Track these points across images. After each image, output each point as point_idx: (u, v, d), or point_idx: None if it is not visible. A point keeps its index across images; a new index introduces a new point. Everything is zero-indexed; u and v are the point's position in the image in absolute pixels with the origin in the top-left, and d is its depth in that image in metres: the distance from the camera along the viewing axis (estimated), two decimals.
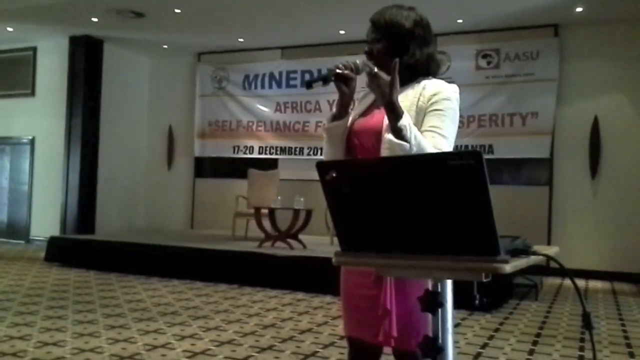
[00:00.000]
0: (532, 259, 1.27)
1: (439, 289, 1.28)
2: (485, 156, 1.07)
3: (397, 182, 1.19)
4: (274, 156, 9.98)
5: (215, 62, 10.52)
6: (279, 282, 6.44)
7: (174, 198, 10.84)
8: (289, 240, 7.21)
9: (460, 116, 1.80)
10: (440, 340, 1.27)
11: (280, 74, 10.01)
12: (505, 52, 8.47)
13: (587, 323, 1.25)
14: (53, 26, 9.38)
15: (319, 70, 9.41)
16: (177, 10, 8.28)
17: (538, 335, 4.57)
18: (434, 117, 1.70)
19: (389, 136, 1.61)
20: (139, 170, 10.99)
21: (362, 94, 1.92)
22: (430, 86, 1.75)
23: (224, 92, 10.46)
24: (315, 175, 1.29)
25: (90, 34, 9.73)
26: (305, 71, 9.75)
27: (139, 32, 9.42)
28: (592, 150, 8.02)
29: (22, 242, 10.42)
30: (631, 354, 4.07)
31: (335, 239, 1.36)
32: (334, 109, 1.86)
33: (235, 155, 10.30)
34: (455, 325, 1.30)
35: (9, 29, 9.60)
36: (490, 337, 4.45)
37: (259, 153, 10.11)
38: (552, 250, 1.38)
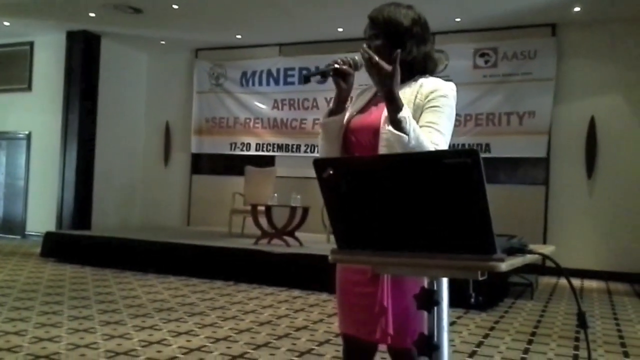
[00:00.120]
0: (528, 258, 1.28)
1: (435, 287, 1.28)
2: (482, 155, 1.07)
3: (394, 180, 1.19)
4: (271, 153, 9.98)
5: (213, 59, 10.51)
6: (275, 280, 6.44)
7: (170, 194, 10.83)
8: (286, 237, 7.21)
9: (457, 115, 1.80)
10: (435, 338, 1.27)
11: (278, 71, 10.00)
12: (503, 51, 8.48)
13: (582, 322, 1.25)
14: (50, 21, 9.35)
15: (317, 68, 9.26)
16: (174, 6, 8.27)
17: (533, 334, 4.59)
18: (430, 113, 1.71)
19: (388, 127, 1.62)
20: (135, 166, 10.97)
21: (360, 91, 1.92)
22: (427, 84, 1.76)
23: (221, 89, 10.45)
24: (312, 172, 1.29)
25: (88, 29, 9.70)
26: (303, 68, 9.74)
27: (137, 27, 9.40)
28: (589, 150, 8.04)
29: (18, 237, 10.39)
30: (625, 354, 4.09)
31: (332, 237, 1.36)
32: (331, 105, 1.86)
33: (232, 152, 10.29)
34: (451, 324, 1.31)
35: (6, 23, 9.56)
36: (486, 336, 4.46)
37: (256, 150, 10.10)
38: (548, 250, 1.38)
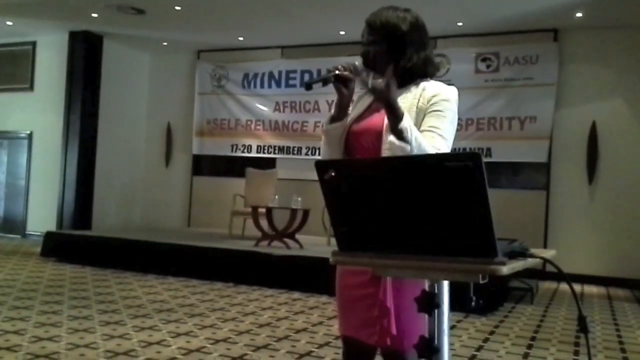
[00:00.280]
0: (529, 262, 1.28)
1: (436, 290, 1.28)
2: (483, 159, 1.07)
3: (396, 182, 1.19)
4: (272, 155, 9.98)
5: (215, 60, 10.52)
6: (275, 282, 6.44)
7: (171, 195, 10.84)
8: (286, 239, 7.21)
9: (459, 119, 1.81)
10: (436, 341, 1.27)
11: (280, 73, 10.01)
12: (505, 56, 8.49)
13: (582, 326, 1.25)
14: (53, 21, 9.37)
15: (319, 71, 9.42)
16: (177, 8, 8.28)
17: (533, 338, 4.58)
18: (433, 117, 1.71)
19: (390, 138, 1.62)
20: (136, 166, 10.98)
21: (360, 94, 1.92)
22: (429, 88, 1.76)
23: (223, 91, 10.46)
24: (313, 175, 1.30)
25: (90, 29, 9.72)
26: (304, 71, 9.75)
27: (139, 28, 9.41)
28: (590, 155, 8.04)
29: (18, 236, 10.40)
30: (625, 359, 4.08)
31: (332, 239, 1.36)
32: (333, 111, 1.86)
33: (234, 154, 10.30)
34: (451, 328, 1.31)
35: (9, 23, 9.58)
36: (485, 340, 4.46)
37: (257, 152, 10.10)
38: (549, 254, 1.38)
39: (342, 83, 1.78)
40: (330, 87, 1.80)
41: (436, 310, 1.28)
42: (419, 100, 1.74)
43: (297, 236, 7.36)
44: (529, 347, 4.30)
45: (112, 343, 3.82)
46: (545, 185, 8.27)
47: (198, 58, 10.70)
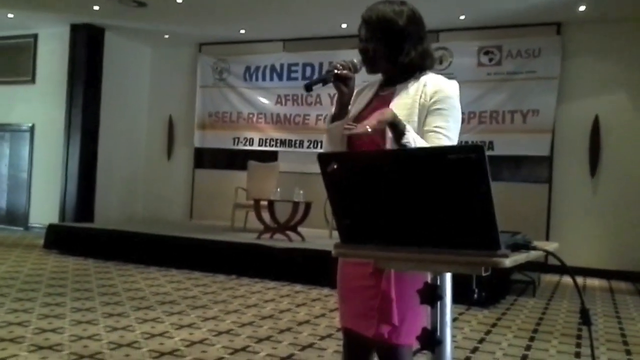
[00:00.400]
0: (532, 254, 1.28)
1: (438, 282, 1.29)
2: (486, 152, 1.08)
3: (399, 175, 1.19)
4: (274, 148, 9.98)
5: (217, 53, 10.50)
6: (277, 274, 6.46)
7: (173, 188, 10.84)
8: (288, 232, 7.22)
9: (461, 113, 1.80)
10: (438, 333, 1.27)
11: (282, 66, 9.99)
12: (507, 49, 8.46)
13: (585, 319, 1.25)
14: (54, 13, 9.35)
15: (321, 64, 9.41)
16: (178, 1, 8.25)
17: (535, 331, 4.59)
18: (437, 116, 1.70)
19: None
20: (138, 159, 10.99)
21: (359, 88, 1.91)
22: (430, 83, 1.75)
23: (224, 84, 10.44)
24: (315, 168, 1.30)
25: (92, 22, 9.70)
26: (306, 64, 9.73)
27: (141, 21, 9.39)
28: (592, 149, 8.02)
29: (21, 229, 10.42)
30: (628, 352, 4.09)
31: (334, 232, 1.37)
32: (334, 109, 1.85)
33: (235, 147, 10.29)
34: (453, 320, 1.31)
35: (10, 16, 9.56)
36: (488, 332, 4.47)
37: (259, 145, 10.10)
38: (552, 246, 1.38)
39: (341, 81, 1.78)
40: None
41: (439, 303, 1.28)
42: (420, 96, 1.73)
43: (299, 229, 7.37)
44: (531, 339, 4.31)
45: (115, 335, 3.84)
46: (547, 178, 8.26)
47: (200, 51, 10.68)
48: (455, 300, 1.34)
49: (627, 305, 5.99)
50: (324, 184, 1.29)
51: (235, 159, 10.14)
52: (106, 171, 10.12)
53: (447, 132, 1.69)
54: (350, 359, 1.89)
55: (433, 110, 1.71)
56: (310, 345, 3.84)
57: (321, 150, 1.75)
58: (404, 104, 1.74)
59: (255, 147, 10.09)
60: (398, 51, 1.76)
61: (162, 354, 3.47)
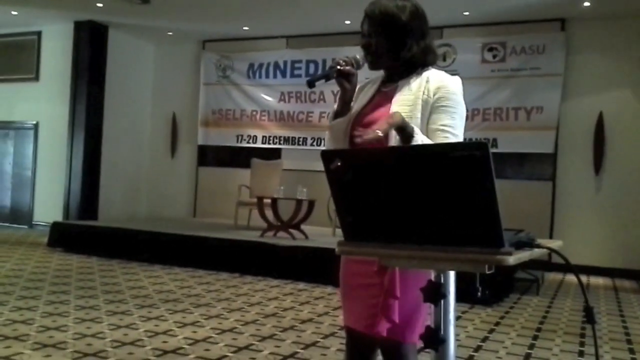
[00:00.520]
0: (536, 252, 1.27)
1: (442, 280, 1.28)
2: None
3: (403, 172, 1.19)
4: (277, 146, 9.97)
5: (220, 50, 10.50)
6: (281, 272, 6.46)
7: (176, 186, 10.85)
8: (291, 230, 7.22)
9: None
10: (442, 332, 1.26)
11: (285, 63, 9.98)
12: (512, 46, 8.43)
13: (589, 317, 1.24)
14: (58, 11, 9.35)
15: (324, 61, 9.39)
16: None
17: (539, 329, 4.58)
18: (444, 114, 1.69)
19: None
20: (142, 157, 11.00)
21: (361, 85, 1.90)
22: (433, 79, 1.74)
23: (228, 81, 10.44)
24: (318, 165, 1.29)
25: (95, 19, 9.71)
26: (310, 61, 9.72)
27: (144, 18, 9.39)
28: (597, 146, 7.99)
29: (25, 227, 10.45)
30: (631, 350, 4.08)
31: (337, 230, 1.36)
32: (336, 105, 1.84)
33: (239, 145, 10.29)
34: (456, 318, 1.31)
35: (14, 13, 9.57)
36: (491, 331, 4.46)
37: (263, 143, 10.10)
38: (556, 244, 1.37)
39: (344, 78, 1.77)
40: None
41: (442, 301, 1.27)
42: (423, 92, 1.72)
43: (303, 227, 7.36)
44: (535, 338, 4.30)
45: (119, 333, 3.85)
46: (551, 176, 8.23)
47: (203, 48, 10.68)
48: (459, 298, 1.33)
49: (631, 304, 5.97)
50: (327, 181, 1.29)
51: (238, 157, 10.14)
52: (110, 169, 10.13)
53: (453, 130, 1.68)
54: (353, 358, 1.88)
55: (438, 107, 1.70)
56: (314, 344, 3.83)
57: (324, 148, 1.74)
58: (406, 100, 1.73)
59: (259, 145, 10.09)
60: (401, 46, 1.75)
61: (166, 352, 3.47)
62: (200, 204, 10.62)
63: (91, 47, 9.84)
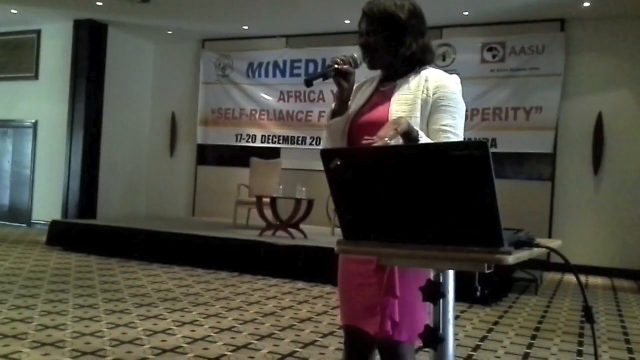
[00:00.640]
0: (535, 252, 1.27)
1: (441, 280, 1.28)
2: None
3: (403, 171, 1.19)
4: (276, 145, 9.97)
5: (220, 50, 10.49)
6: (280, 271, 6.46)
7: (176, 185, 10.85)
8: (290, 229, 7.22)
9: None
10: (441, 331, 1.27)
11: (285, 63, 9.98)
12: (511, 46, 8.43)
13: (588, 316, 1.24)
14: (58, 9, 9.35)
15: (324, 60, 9.39)
16: None
17: (537, 329, 4.58)
18: (444, 114, 1.69)
19: None
20: (141, 156, 11.00)
21: (358, 84, 1.90)
22: (432, 78, 1.74)
23: (227, 80, 10.44)
24: (317, 165, 1.29)
25: (95, 18, 9.70)
26: (309, 60, 9.72)
27: (144, 17, 9.39)
28: (596, 147, 8.00)
29: (24, 225, 10.44)
30: (630, 350, 4.08)
31: (337, 230, 1.36)
32: (334, 105, 1.84)
33: (238, 144, 10.29)
34: (455, 318, 1.31)
35: (13, 11, 9.57)
36: (490, 331, 4.46)
37: (262, 142, 10.09)
38: (555, 244, 1.37)
39: (342, 77, 1.77)
40: None
41: (441, 300, 1.27)
42: (422, 91, 1.72)
43: (302, 226, 7.36)
44: (533, 337, 4.30)
45: (118, 332, 3.84)
46: (550, 176, 8.24)
47: (203, 47, 10.68)
48: (458, 298, 1.33)
49: (629, 304, 5.98)
50: (327, 180, 1.29)
51: (237, 156, 10.13)
52: (109, 168, 10.13)
53: (455, 129, 1.69)
54: (351, 357, 1.88)
55: (438, 107, 1.70)
56: (313, 343, 3.83)
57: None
58: (405, 99, 1.73)
59: (258, 144, 10.09)
60: (400, 44, 1.75)
61: (164, 351, 3.47)
62: (200, 203, 10.62)
63: (91, 46, 9.84)
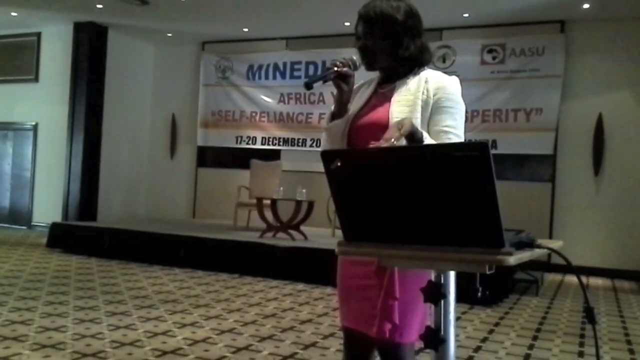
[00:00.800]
0: (536, 253, 1.27)
1: (442, 280, 1.28)
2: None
3: (403, 172, 1.18)
4: (276, 147, 9.97)
5: (220, 52, 10.50)
6: (280, 273, 6.46)
7: (176, 187, 10.85)
8: (291, 231, 7.22)
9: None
10: (442, 332, 1.26)
11: (285, 64, 9.98)
12: (511, 48, 8.44)
13: (590, 317, 1.24)
14: (57, 12, 9.35)
15: (324, 62, 9.39)
16: None
17: (538, 330, 4.58)
18: (445, 115, 1.70)
19: None
20: (141, 158, 11.00)
21: (357, 86, 1.90)
22: (432, 79, 1.74)
23: (227, 82, 10.44)
24: (317, 166, 1.30)
25: (95, 20, 9.71)
26: (309, 62, 9.73)
27: (144, 19, 9.40)
28: (596, 148, 8.00)
29: (24, 228, 10.44)
30: (631, 351, 4.08)
31: (337, 231, 1.36)
32: (333, 107, 1.84)
33: (238, 146, 10.29)
34: (456, 319, 1.30)
35: (14, 14, 9.57)
36: (491, 332, 4.46)
37: (262, 144, 10.10)
38: (556, 245, 1.37)
39: (341, 79, 1.77)
40: None
41: (442, 301, 1.27)
42: (422, 92, 1.72)
43: (302, 228, 7.36)
44: (534, 338, 4.30)
45: (118, 333, 3.84)
46: (550, 177, 8.24)
47: (203, 49, 10.68)
48: (459, 299, 1.33)
49: (630, 305, 5.97)
50: (327, 181, 1.28)
51: (238, 158, 10.13)
52: (109, 170, 10.13)
53: (456, 130, 1.69)
54: (351, 358, 1.88)
55: (439, 108, 1.70)
56: (313, 344, 3.83)
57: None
58: (405, 100, 1.73)
59: (258, 146, 10.09)
60: (398, 45, 1.76)
61: (165, 352, 3.47)
62: (200, 205, 10.62)
63: (91, 48, 9.84)
